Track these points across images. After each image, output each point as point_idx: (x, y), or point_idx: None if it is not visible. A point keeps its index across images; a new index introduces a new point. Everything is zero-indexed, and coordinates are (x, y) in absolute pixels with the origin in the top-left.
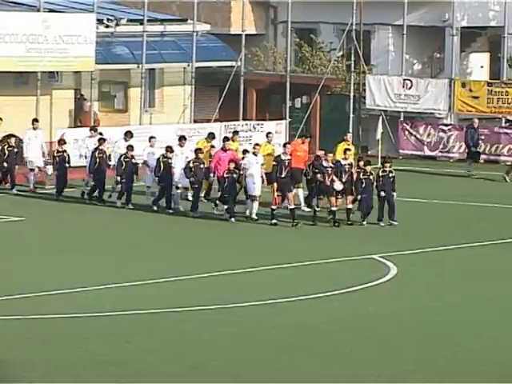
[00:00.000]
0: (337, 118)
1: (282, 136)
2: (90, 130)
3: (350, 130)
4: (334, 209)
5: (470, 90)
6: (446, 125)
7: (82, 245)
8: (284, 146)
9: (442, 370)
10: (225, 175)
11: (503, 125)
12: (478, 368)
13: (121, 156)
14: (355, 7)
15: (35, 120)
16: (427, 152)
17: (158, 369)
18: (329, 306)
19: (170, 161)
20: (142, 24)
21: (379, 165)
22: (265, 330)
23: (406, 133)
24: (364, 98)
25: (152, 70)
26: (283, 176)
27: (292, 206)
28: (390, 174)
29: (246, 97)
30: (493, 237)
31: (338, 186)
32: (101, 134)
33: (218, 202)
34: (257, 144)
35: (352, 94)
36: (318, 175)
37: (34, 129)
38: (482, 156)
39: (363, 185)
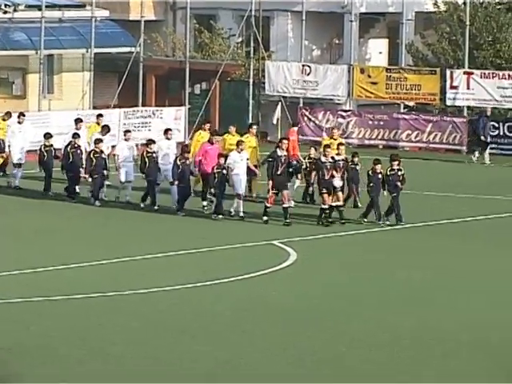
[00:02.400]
0: (237, 104)
1: (181, 122)
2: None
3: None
4: (324, 206)
5: (369, 76)
6: (345, 111)
7: None
8: (280, 141)
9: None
10: (215, 170)
11: (402, 110)
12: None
13: (90, 151)
14: None
15: (22, 114)
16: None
17: (59, 355)
18: (225, 291)
19: (154, 155)
20: (40, 10)
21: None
22: (162, 315)
23: (305, 118)
24: (263, 84)
25: (50, 56)
26: (279, 173)
27: (286, 205)
28: (399, 173)
29: (145, 83)
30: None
31: (338, 182)
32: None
33: (204, 202)
34: (241, 140)
35: (251, 80)
36: (320, 172)
37: (20, 123)
38: (381, 142)
39: (371, 183)
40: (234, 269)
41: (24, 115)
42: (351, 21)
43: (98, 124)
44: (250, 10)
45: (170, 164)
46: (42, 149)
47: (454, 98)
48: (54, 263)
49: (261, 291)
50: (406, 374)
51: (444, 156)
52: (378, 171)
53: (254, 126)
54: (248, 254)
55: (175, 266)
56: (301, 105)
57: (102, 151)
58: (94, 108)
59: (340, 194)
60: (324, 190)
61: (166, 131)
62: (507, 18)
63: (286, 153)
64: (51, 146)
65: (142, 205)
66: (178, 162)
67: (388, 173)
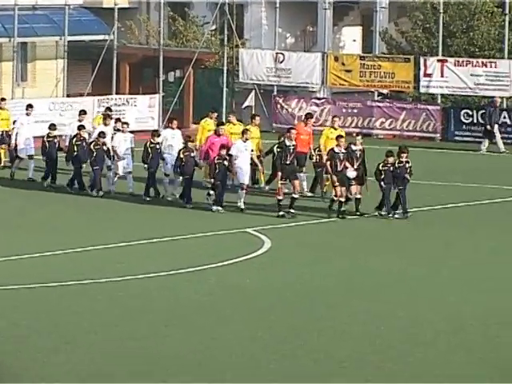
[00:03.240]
0: (211, 91)
1: (155, 110)
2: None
3: (222, 104)
4: (341, 199)
5: (343, 64)
6: (319, 98)
7: None
8: (288, 131)
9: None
10: (215, 161)
11: (376, 98)
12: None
13: (91, 142)
14: None
15: (30, 106)
16: None
17: (30, 343)
18: (200, 279)
19: (157, 146)
20: None
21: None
22: (142, 304)
23: (279, 106)
24: (237, 71)
25: (24, 44)
26: (288, 163)
27: (296, 196)
28: (407, 165)
29: (119, 71)
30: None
31: (351, 173)
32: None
33: (210, 191)
34: (246, 129)
35: (225, 68)
36: (332, 162)
37: (28, 115)
38: (355, 129)
39: (382, 176)
40: (208, 256)
41: (32, 107)
42: (325, 8)
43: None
44: None
45: (175, 153)
46: (45, 139)
47: (428, 86)
48: (31, 251)
49: (236, 279)
50: (380, 362)
51: (418, 144)
52: (390, 163)
53: (257, 117)
54: (223, 242)
55: (152, 253)
56: (275, 93)
57: (104, 143)
58: (68, 96)
59: (354, 187)
60: (337, 183)
61: (171, 121)
62: (480, 5)
63: (294, 142)
64: (55, 137)
65: (147, 199)
66: (182, 155)
67: (396, 165)
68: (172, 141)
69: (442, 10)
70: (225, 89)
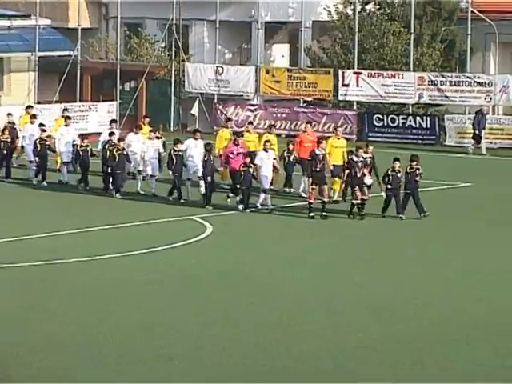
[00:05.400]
0: (161, 99)
1: (113, 115)
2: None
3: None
4: (357, 202)
5: (273, 76)
6: (253, 105)
7: None
8: (318, 142)
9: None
10: (241, 168)
11: (301, 105)
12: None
13: (113, 148)
14: (175, 5)
15: (68, 117)
16: (235, 128)
17: None
18: (147, 261)
19: (180, 153)
20: None
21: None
22: (93, 284)
23: (218, 112)
24: (184, 82)
25: (0, 59)
26: (318, 170)
27: (326, 199)
28: (417, 171)
29: (82, 82)
30: None
31: (369, 180)
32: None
33: (230, 194)
34: (267, 140)
35: (173, 79)
36: (347, 171)
37: (66, 125)
38: (284, 131)
39: (389, 181)
40: (154, 241)
41: (70, 118)
42: (258, 29)
43: (144, 124)
44: (172, 19)
45: (198, 161)
46: (79, 148)
47: (346, 94)
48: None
49: (174, 261)
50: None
51: None
52: (397, 169)
53: (273, 128)
54: (168, 228)
55: (103, 238)
56: (215, 100)
57: (123, 148)
58: (39, 103)
59: (366, 190)
60: (356, 188)
61: (195, 132)
62: (388, 26)
63: (324, 152)
64: (87, 146)
65: (170, 198)
66: (205, 158)
67: (408, 170)
68: (195, 149)
69: (357, 30)
70: (173, 97)
